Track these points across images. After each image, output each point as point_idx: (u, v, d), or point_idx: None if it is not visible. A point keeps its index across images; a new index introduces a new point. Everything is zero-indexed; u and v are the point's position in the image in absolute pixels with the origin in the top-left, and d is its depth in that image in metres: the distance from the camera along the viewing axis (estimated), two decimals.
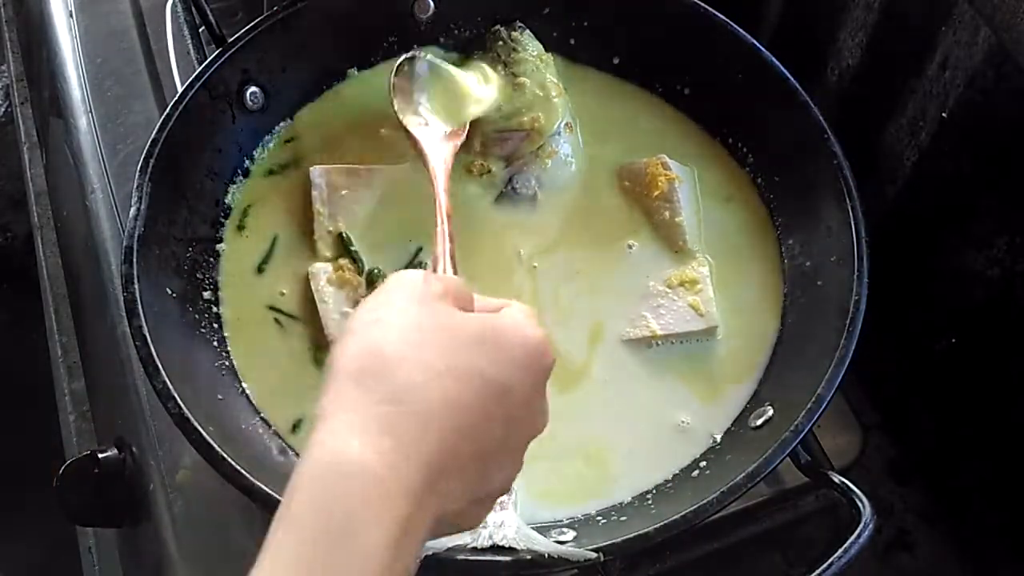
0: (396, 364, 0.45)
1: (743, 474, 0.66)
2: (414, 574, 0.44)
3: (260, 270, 0.82)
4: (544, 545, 0.64)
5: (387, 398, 0.44)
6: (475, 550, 0.64)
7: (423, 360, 0.45)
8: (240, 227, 0.84)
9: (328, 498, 0.41)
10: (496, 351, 0.47)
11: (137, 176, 0.77)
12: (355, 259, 0.82)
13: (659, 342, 0.80)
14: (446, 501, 0.45)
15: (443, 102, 0.86)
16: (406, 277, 0.50)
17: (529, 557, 0.64)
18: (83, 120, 1.04)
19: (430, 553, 0.63)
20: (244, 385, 0.77)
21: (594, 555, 0.63)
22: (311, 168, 0.85)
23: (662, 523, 0.64)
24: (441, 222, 0.70)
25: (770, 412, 0.73)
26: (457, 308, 0.50)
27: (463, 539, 0.64)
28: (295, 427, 0.75)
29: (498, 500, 0.69)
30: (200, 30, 0.91)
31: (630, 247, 0.85)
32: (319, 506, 0.41)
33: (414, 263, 0.83)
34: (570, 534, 0.69)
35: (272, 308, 0.81)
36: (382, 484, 0.42)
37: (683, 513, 0.65)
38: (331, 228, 0.83)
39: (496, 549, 0.64)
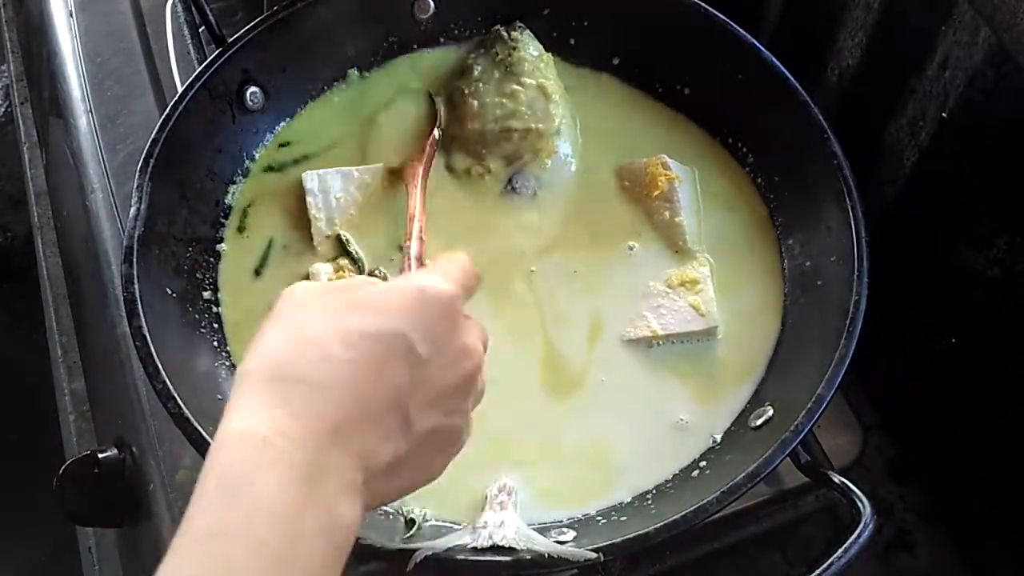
0: (283, 350, 0.49)
1: (743, 474, 0.66)
2: (352, 526, 0.47)
3: (258, 273, 0.82)
4: (544, 545, 0.64)
5: (274, 377, 0.48)
6: (475, 550, 0.64)
7: (306, 337, 0.49)
8: (240, 228, 0.84)
9: (218, 467, 0.45)
10: (372, 309, 0.50)
11: (137, 176, 0.77)
12: (355, 259, 0.82)
13: (659, 342, 0.80)
14: (370, 449, 0.48)
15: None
16: (293, 287, 0.54)
17: (529, 557, 0.64)
18: (83, 120, 1.04)
19: (430, 553, 0.63)
20: None
21: (594, 555, 0.63)
22: (303, 174, 0.84)
23: (662, 523, 0.64)
24: (411, 222, 0.76)
25: (770, 412, 0.73)
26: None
27: (463, 539, 0.65)
28: None
29: (497, 500, 0.69)
30: (200, 30, 0.91)
31: (630, 247, 0.84)
32: (210, 475, 0.45)
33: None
34: (570, 534, 0.69)
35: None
36: (268, 444, 0.45)
37: (683, 513, 0.65)
38: (328, 232, 0.83)
39: (496, 549, 0.64)
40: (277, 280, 0.82)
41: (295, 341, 0.49)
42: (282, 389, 0.47)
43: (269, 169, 0.87)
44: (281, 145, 0.88)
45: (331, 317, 0.50)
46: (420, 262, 0.74)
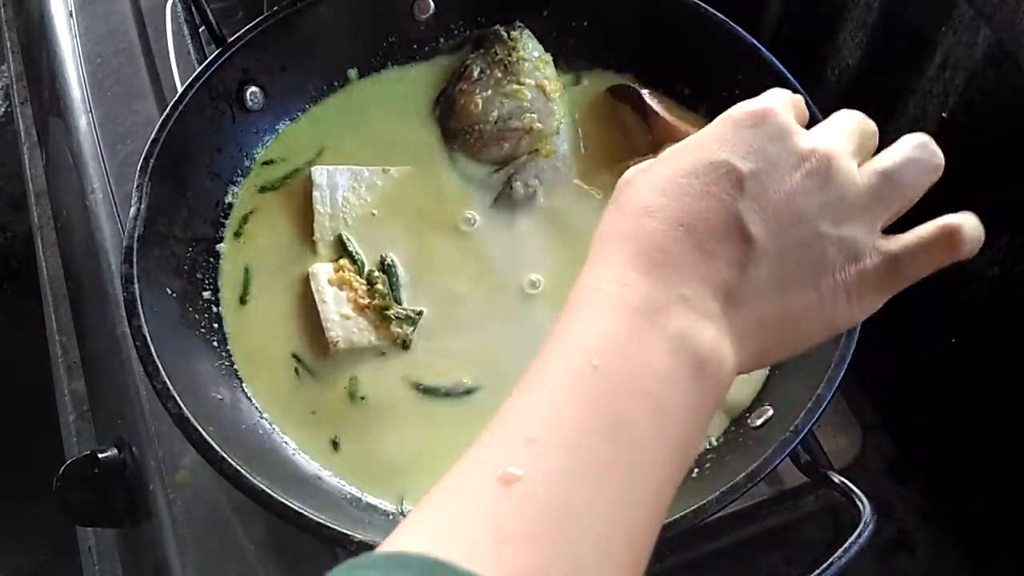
0: (608, 222, 0.51)
1: (743, 474, 0.66)
2: (714, 355, 0.46)
3: (243, 302, 0.81)
4: None
5: (599, 239, 0.51)
6: None
7: (625, 205, 0.51)
8: (237, 234, 0.84)
9: (568, 311, 0.48)
10: (682, 152, 0.51)
11: (137, 176, 0.77)
12: (355, 260, 0.82)
13: None
14: (716, 279, 0.47)
15: None
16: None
17: None
18: (83, 120, 1.04)
19: None
20: (244, 385, 0.77)
21: None
22: (312, 168, 0.85)
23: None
24: None
25: (770, 412, 0.73)
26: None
27: None
28: (335, 445, 0.76)
29: None
30: (200, 30, 0.91)
31: None
32: (564, 318, 0.48)
33: (385, 264, 0.83)
34: None
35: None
36: (599, 288, 0.48)
37: (683, 513, 0.64)
38: (331, 228, 0.83)
39: None
40: (268, 302, 0.81)
41: (618, 212, 0.51)
42: (606, 249, 0.50)
43: (263, 188, 0.87)
44: (263, 164, 0.88)
45: (648, 178, 0.50)
46: None
